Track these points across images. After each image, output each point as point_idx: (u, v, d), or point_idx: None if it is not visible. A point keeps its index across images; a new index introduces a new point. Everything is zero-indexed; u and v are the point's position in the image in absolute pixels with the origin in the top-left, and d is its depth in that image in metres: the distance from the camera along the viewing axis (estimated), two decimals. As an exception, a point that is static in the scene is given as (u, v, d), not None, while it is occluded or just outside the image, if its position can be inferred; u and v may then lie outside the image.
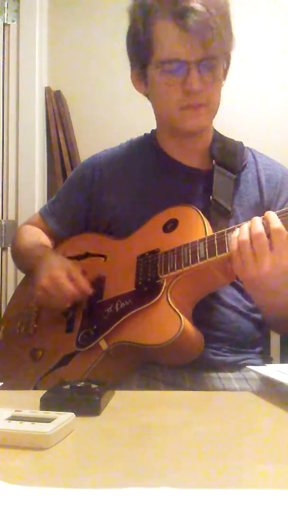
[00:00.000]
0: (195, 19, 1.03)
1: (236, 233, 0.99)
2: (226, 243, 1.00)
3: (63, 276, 1.13)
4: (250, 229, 0.96)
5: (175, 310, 0.99)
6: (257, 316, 1.20)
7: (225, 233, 1.02)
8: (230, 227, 1.03)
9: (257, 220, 0.97)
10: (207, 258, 1.01)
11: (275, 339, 1.34)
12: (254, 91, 2.16)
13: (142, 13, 1.11)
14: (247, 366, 1.11)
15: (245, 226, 0.98)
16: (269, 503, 0.47)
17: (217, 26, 1.05)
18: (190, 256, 1.04)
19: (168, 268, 1.06)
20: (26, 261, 1.30)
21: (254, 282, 0.99)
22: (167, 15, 1.07)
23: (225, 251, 1.00)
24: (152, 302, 1.03)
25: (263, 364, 1.11)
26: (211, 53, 1.08)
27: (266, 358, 1.22)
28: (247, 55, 2.12)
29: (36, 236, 1.35)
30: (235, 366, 1.13)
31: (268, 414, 0.79)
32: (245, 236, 0.96)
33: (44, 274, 1.14)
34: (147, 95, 1.22)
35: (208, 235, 1.05)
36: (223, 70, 1.15)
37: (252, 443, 0.66)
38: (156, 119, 1.27)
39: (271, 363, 1.22)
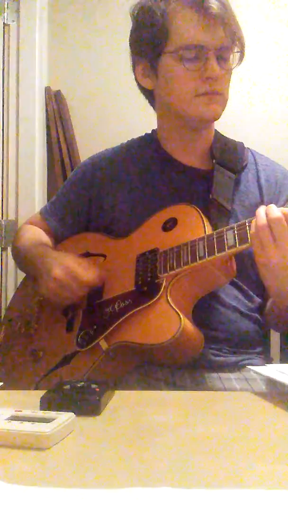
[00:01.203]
0: (218, 5, 1.07)
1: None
2: (225, 242, 1.00)
3: (75, 265, 1.11)
4: (267, 214, 0.96)
5: (174, 309, 0.99)
6: (258, 316, 1.20)
7: (225, 232, 1.02)
8: (229, 226, 1.03)
9: (274, 206, 0.97)
10: (207, 257, 1.01)
11: (275, 339, 1.34)
12: (253, 91, 2.16)
13: (159, 1, 1.12)
14: (247, 366, 1.11)
15: (262, 211, 0.97)
16: (269, 503, 0.47)
17: (234, 15, 1.11)
18: (189, 255, 1.04)
19: (168, 267, 1.06)
20: (27, 261, 1.30)
21: (273, 267, 0.97)
22: (187, 3, 1.09)
23: (224, 250, 1.00)
24: (151, 301, 1.03)
25: (263, 364, 1.11)
26: (229, 42, 1.11)
27: (266, 358, 1.22)
28: (246, 56, 2.11)
29: (37, 236, 1.35)
30: (236, 367, 1.13)
31: (268, 414, 0.79)
32: (263, 221, 0.96)
33: (55, 266, 1.11)
34: (151, 91, 1.22)
35: (207, 234, 1.05)
36: (238, 59, 1.17)
37: (252, 443, 0.66)
38: (159, 117, 1.26)
39: (271, 363, 1.22)
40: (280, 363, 1.29)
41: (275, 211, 0.96)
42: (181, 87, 1.13)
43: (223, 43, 1.11)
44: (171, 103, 1.18)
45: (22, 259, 1.35)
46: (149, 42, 1.16)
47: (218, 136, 1.28)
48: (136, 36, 1.19)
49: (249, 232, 0.98)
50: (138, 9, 1.18)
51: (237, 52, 1.15)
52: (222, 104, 1.16)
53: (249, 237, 0.98)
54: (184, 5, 1.10)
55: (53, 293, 1.13)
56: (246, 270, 1.17)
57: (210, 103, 1.13)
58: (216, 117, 1.18)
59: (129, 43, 1.21)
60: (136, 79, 1.23)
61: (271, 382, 1.06)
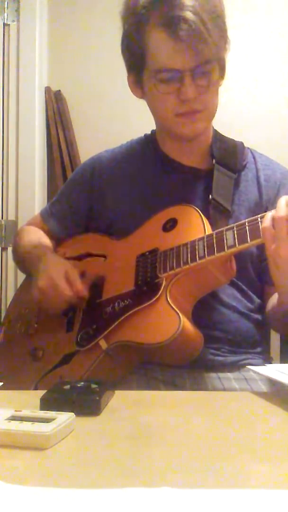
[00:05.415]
0: (186, 28, 1.03)
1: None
2: (225, 242, 1.00)
3: (60, 277, 1.14)
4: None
5: (174, 309, 0.99)
6: (257, 316, 1.20)
7: (224, 232, 1.02)
8: (229, 226, 1.03)
9: None
10: (206, 257, 1.01)
11: (275, 339, 1.34)
12: (254, 89, 2.16)
13: (134, 22, 1.11)
14: (247, 366, 1.11)
15: (283, 202, 0.95)
16: (269, 503, 0.47)
17: (209, 31, 1.04)
18: (189, 255, 1.04)
19: (167, 267, 1.06)
20: (26, 263, 1.30)
21: (282, 263, 0.95)
22: (158, 24, 1.07)
23: (224, 250, 1.00)
24: (151, 301, 1.03)
25: (263, 364, 1.11)
26: (204, 60, 1.07)
27: (266, 358, 1.22)
28: (246, 56, 2.12)
29: (36, 237, 1.36)
30: (235, 366, 1.13)
31: (268, 414, 0.79)
32: (283, 212, 0.94)
33: (42, 275, 1.15)
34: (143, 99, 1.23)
35: (207, 234, 1.05)
36: (220, 72, 1.13)
37: (252, 443, 0.66)
38: (155, 121, 1.27)
39: (271, 363, 1.22)
40: (280, 363, 1.29)
41: None
42: (160, 107, 1.14)
43: (198, 62, 1.07)
44: (156, 119, 1.21)
45: (22, 262, 1.36)
46: (130, 58, 1.17)
47: (218, 136, 1.28)
48: (122, 48, 1.20)
49: (261, 225, 0.96)
50: (122, 22, 1.17)
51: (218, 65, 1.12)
52: (205, 119, 1.16)
53: (248, 236, 0.98)
54: (155, 26, 1.08)
55: (39, 302, 1.18)
56: (246, 270, 1.17)
57: (191, 122, 1.13)
58: (199, 134, 1.18)
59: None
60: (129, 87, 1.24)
61: (270, 382, 1.06)
